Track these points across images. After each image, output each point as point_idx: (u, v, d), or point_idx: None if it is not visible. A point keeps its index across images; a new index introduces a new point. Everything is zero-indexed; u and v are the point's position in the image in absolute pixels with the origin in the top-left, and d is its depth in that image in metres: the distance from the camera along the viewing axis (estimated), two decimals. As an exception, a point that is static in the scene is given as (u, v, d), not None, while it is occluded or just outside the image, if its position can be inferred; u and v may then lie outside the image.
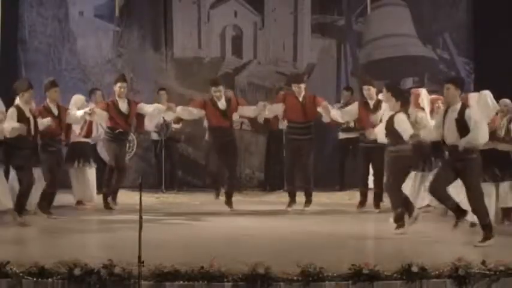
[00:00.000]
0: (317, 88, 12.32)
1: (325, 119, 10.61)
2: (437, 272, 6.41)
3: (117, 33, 13.68)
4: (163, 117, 12.08)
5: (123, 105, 10.43)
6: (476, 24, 13.46)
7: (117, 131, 10.44)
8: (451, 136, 7.83)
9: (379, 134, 9.05)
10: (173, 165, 12.96)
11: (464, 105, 7.87)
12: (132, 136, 11.95)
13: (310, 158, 10.71)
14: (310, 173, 10.74)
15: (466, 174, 7.82)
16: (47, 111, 9.73)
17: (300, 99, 10.53)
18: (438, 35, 13.91)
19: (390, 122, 8.66)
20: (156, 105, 10.94)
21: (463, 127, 7.72)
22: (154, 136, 12.71)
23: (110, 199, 10.54)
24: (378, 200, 10.48)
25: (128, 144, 11.48)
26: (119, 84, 10.43)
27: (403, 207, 8.72)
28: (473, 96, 8.48)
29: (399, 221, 8.64)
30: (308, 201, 10.73)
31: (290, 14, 13.86)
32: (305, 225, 9.62)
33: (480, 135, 7.74)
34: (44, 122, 9.52)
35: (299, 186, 10.77)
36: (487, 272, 6.42)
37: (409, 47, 13.85)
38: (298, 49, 13.87)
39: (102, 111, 10.37)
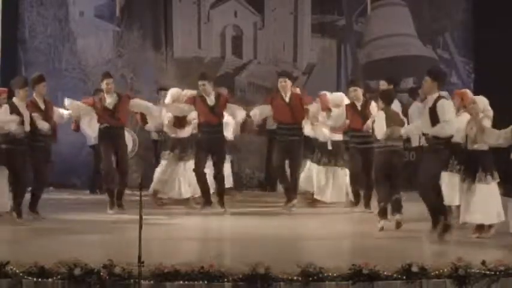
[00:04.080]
0: (317, 88, 12.29)
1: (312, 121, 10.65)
2: (437, 272, 6.42)
3: (117, 33, 13.68)
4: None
5: (109, 100, 10.25)
6: (476, 24, 13.46)
7: (103, 125, 10.26)
8: (425, 125, 8.17)
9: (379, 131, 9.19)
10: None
11: (439, 97, 8.11)
12: (134, 136, 11.95)
13: (300, 159, 10.65)
14: (299, 173, 10.71)
15: (428, 162, 8.12)
16: (34, 106, 9.64)
17: (287, 99, 10.55)
18: (438, 35, 13.92)
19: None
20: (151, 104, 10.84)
21: (434, 117, 8.03)
22: (154, 136, 12.69)
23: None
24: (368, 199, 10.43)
25: (131, 144, 11.45)
26: (105, 81, 10.26)
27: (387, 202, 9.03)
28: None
29: (383, 215, 8.98)
30: (291, 199, 10.60)
31: (290, 14, 13.86)
32: (305, 225, 9.62)
33: (447, 128, 8.01)
34: (45, 127, 9.47)
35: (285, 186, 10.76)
36: (487, 272, 6.43)
37: (409, 47, 13.84)
38: (298, 49, 13.86)
39: (86, 106, 10.31)
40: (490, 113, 8.56)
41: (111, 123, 10.21)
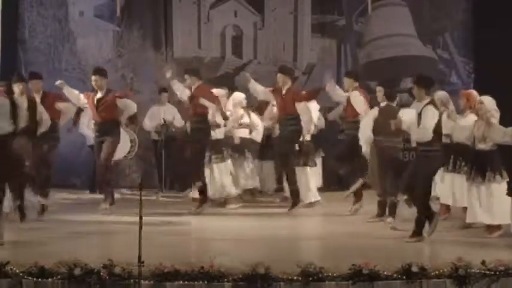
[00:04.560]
0: (317, 88, 12.28)
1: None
2: (437, 272, 6.42)
3: (117, 33, 13.69)
4: (163, 118, 12.13)
5: (97, 96, 10.36)
6: (476, 24, 13.46)
7: (93, 121, 10.47)
8: (414, 130, 8.27)
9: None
10: (173, 165, 12.95)
11: (427, 103, 8.18)
12: (132, 136, 11.95)
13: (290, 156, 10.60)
14: (293, 171, 10.62)
15: (419, 166, 8.16)
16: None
17: (283, 92, 10.55)
18: (438, 35, 13.92)
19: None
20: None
21: (419, 122, 8.16)
22: (154, 136, 12.71)
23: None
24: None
25: (130, 144, 11.44)
26: (93, 78, 10.44)
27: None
28: None
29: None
30: (294, 203, 10.52)
31: (290, 14, 13.87)
32: (305, 225, 9.62)
33: (423, 132, 8.09)
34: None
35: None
36: (487, 272, 6.43)
37: (409, 47, 13.85)
38: (298, 49, 13.87)
39: (84, 99, 10.43)
40: (497, 113, 8.58)
41: (95, 118, 10.35)
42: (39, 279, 6.26)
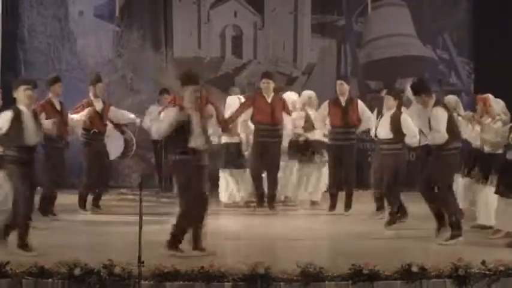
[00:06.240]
0: (317, 88, 12.28)
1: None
2: (437, 272, 6.42)
3: (117, 33, 13.68)
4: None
5: (98, 105, 10.40)
6: (476, 24, 13.46)
7: (92, 131, 10.37)
8: (426, 134, 8.17)
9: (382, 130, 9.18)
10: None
11: (435, 104, 8.09)
12: (129, 136, 11.94)
13: (278, 161, 10.59)
14: (276, 176, 10.63)
15: (436, 169, 8.03)
16: (51, 106, 9.72)
17: (269, 100, 10.55)
18: (438, 35, 13.91)
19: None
20: (127, 114, 11.01)
21: (430, 126, 8.03)
22: (155, 136, 12.69)
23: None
24: (349, 200, 10.39)
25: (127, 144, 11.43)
26: (99, 85, 10.46)
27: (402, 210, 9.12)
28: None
29: (393, 222, 9.06)
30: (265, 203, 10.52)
31: (290, 14, 13.86)
32: (304, 225, 9.62)
33: (436, 136, 7.93)
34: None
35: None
36: (487, 272, 6.43)
37: (409, 47, 13.84)
38: (298, 49, 13.86)
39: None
40: (505, 116, 8.52)
41: (100, 128, 10.46)
42: (39, 279, 6.26)
